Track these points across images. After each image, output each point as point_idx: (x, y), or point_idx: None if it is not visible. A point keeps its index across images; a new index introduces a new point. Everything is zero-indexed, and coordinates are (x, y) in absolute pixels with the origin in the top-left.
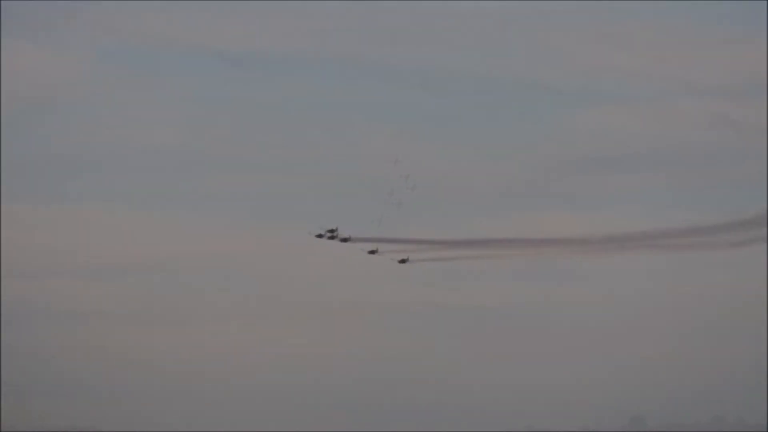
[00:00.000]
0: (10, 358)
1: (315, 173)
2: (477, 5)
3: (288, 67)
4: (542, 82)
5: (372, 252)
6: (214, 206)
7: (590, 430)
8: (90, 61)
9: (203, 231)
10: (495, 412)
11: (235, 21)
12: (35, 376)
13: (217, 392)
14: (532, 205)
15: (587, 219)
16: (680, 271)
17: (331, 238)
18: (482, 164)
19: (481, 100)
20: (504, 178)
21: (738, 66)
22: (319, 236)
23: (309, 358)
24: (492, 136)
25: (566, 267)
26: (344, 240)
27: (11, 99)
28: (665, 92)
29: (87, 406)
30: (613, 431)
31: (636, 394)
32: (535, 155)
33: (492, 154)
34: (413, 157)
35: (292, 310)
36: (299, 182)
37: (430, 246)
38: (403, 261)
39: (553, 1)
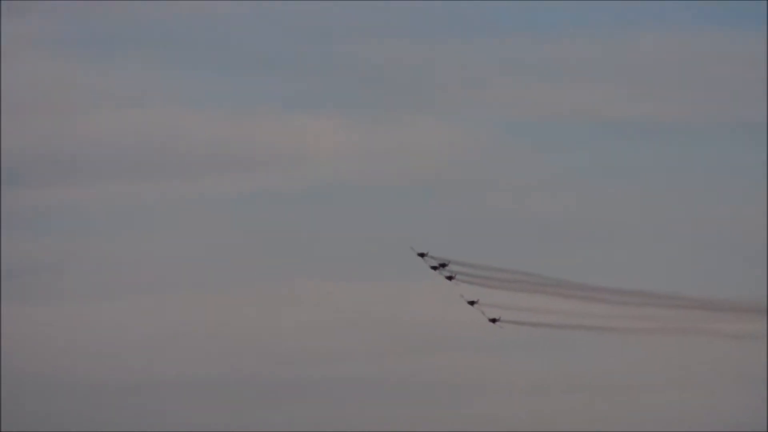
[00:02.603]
0: None
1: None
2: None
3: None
4: None
5: (472, 302)
6: (587, 273)
7: None
8: (496, 136)
9: None
10: None
11: (615, 88)
12: None
13: None
14: None
15: None
16: None
17: (435, 268)
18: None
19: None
20: None
21: None
22: (421, 255)
23: None
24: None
25: None
26: (449, 278)
27: (415, 174)
28: None
29: None
30: None
31: None
32: None
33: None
34: None
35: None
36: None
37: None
38: (493, 320)
39: None
